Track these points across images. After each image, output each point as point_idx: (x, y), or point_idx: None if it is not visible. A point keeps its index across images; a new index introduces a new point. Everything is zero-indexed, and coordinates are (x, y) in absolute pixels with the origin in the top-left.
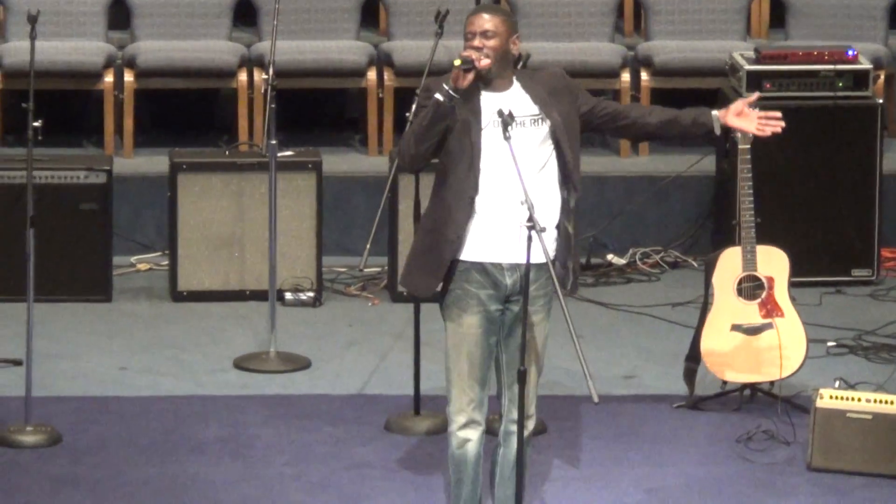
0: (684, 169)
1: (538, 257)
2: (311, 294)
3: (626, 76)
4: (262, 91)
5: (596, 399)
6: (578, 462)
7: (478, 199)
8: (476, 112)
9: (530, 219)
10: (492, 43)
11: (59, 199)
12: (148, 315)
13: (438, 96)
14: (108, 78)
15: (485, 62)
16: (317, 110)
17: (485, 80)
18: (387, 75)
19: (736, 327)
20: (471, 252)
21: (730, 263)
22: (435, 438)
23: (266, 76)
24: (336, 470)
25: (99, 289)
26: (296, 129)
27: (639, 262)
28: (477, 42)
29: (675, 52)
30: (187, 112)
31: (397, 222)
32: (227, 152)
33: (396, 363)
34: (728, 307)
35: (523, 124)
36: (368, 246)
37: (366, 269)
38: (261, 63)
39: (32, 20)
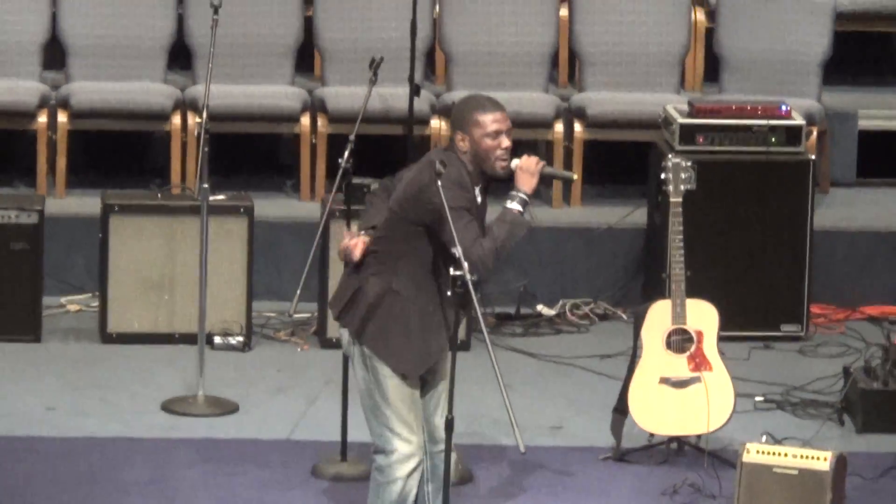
0: (616, 220)
1: None
2: (240, 338)
3: (559, 127)
4: (196, 134)
5: (522, 449)
6: None
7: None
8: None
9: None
10: (511, 142)
11: None
12: (77, 356)
13: (518, 207)
14: (42, 118)
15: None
16: (250, 155)
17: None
18: (320, 121)
19: (664, 380)
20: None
21: (659, 316)
22: (361, 485)
23: (199, 119)
24: None
25: (28, 329)
26: (228, 172)
27: (568, 313)
28: (508, 142)
29: (608, 103)
30: (121, 154)
31: (328, 268)
32: (159, 195)
33: (324, 409)
34: (656, 360)
35: None
36: (299, 291)
37: (296, 315)
38: (195, 106)
39: None
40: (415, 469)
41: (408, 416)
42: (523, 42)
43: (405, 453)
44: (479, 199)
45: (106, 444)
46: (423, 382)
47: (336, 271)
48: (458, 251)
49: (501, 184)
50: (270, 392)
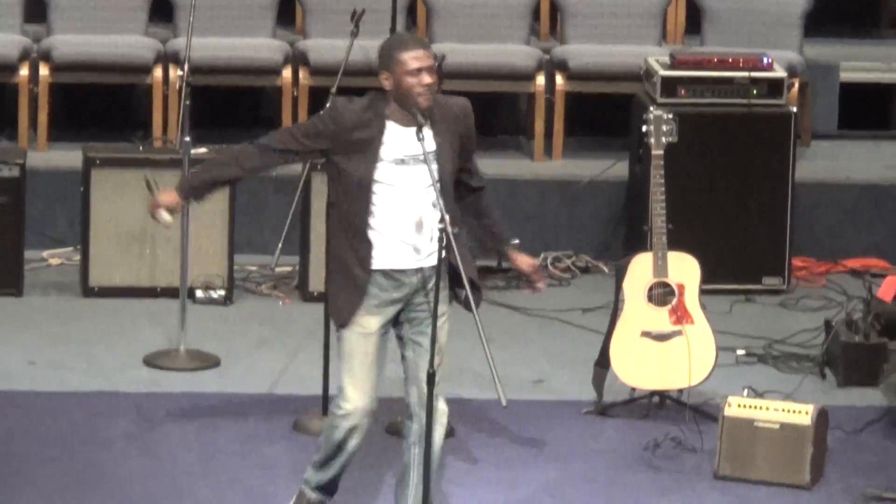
0: (597, 173)
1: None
2: (222, 292)
3: (540, 79)
4: (177, 87)
5: (504, 403)
6: (485, 465)
7: (375, 223)
8: (375, 148)
9: (442, 220)
10: (433, 79)
11: None
12: (58, 310)
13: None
14: (24, 71)
15: (430, 100)
16: (232, 108)
17: (422, 115)
18: (302, 74)
19: (646, 334)
20: (377, 262)
21: (641, 269)
22: None
23: (181, 72)
24: (244, 468)
25: (10, 283)
26: (210, 126)
27: (550, 267)
28: (429, 79)
29: (590, 55)
30: (102, 107)
31: (309, 222)
32: (140, 148)
33: (306, 363)
34: (638, 313)
35: (412, 161)
36: (280, 245)
37: (277, 269)
38: (176, 59)
39: None
40: (352, 429)
41: (357, 373)
42: None
43: (346, 410)
44: (419, 138)
45: (88, 399)
46: (405, 344)
47: (318, 224)
48: (440, 202)
49: None
50: (252, 346)
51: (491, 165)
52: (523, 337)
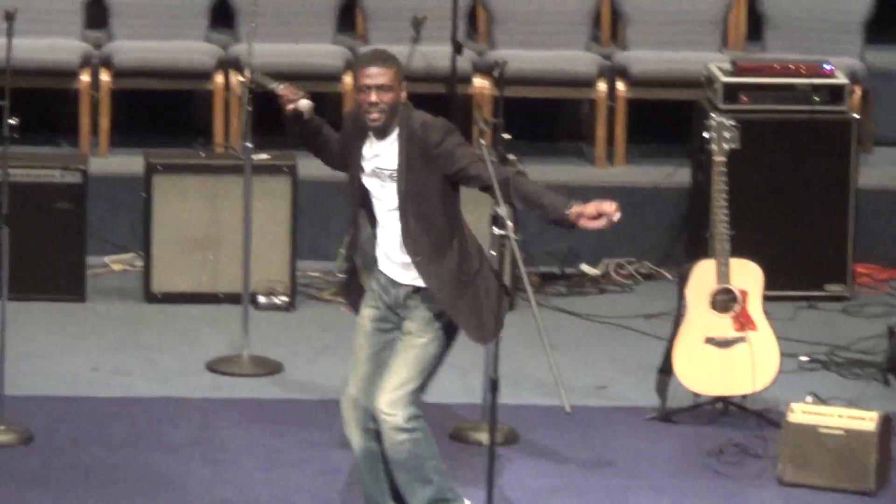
0: (659, 180)
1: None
2: (284, 298)
3: (602, 86)
4: (238, 93)
5: (568, 409)
6: (549, 472)
7: (378, 231)
8: (359, 159)
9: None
10: (387, 98)
11: (34, 198)
12: (121, 316)
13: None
14: (85, 77)
15: (377, 118)
16: None
17: (376, 132)
18: None
19: (709, 340)
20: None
21: (704, 276)
22: None
23: (242, 78)
24: (308, 475)
25: (73, 289)
26: (272, 131)
27: (612, 273)
28: (374, 97)
29: (651, 62)
30: (163, 113)
31: None
32: (202, 154)
33: None
34: (701, 320)
35: (382, 177)
36: (342, 251)
37: (340, 275)
38: (237, 65)
39: (10, 17)
40: (343, 421)
41: (354, 362)
42: (565, 1)
43: (344, 395)
44: (369, 150)
45: (151, 405)
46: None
47: None
48: (501, 210)
49: None
50: (315, 352)
51: (552, 171)
52: (586, 343)
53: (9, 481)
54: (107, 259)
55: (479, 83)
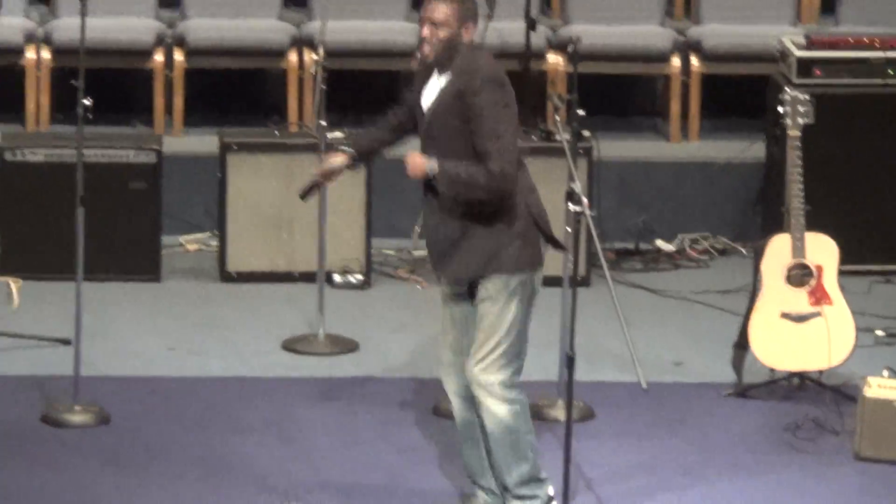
0: (734, 155)
1: None
2: (360, 276)
3: (676, 61)
4: (312, 71)
5: (644, 385)
6: (625, 449)
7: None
8: (419, 96)
9: (578, 201)
10: (441, 33)
11: (109, 178)
12: (196, 295)
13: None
14: (158, 56)
15: (428, 52)
16: (367, 91)
17: (434, 67)
18: None
19: (785, 315)
20: None
21: (779, 251)
22: None
23: (316, 56)
24: (384, 452)
25: (148, 268)
26: (346, 109)
27: (687, 249)
28: (426, 31)
29: (725, 36)
30: (237, 92)
31: None
32: (276, 133)
33: None
34: (777, 295)
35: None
36: (418, 228)
37: (415, 252)
38: (311, 43)
39: None
40: (444, 384)
41: (442, 331)
42: None
43: (440, 364)
44: (424, 85)
45: (226, 384)
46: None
47: None
48: (577, 186)
49: None
50: (391, 330)
51: (627, 147)
52: (662, 319)
53: (85, 462)
54: (182, 239)
55: (553, 59)
